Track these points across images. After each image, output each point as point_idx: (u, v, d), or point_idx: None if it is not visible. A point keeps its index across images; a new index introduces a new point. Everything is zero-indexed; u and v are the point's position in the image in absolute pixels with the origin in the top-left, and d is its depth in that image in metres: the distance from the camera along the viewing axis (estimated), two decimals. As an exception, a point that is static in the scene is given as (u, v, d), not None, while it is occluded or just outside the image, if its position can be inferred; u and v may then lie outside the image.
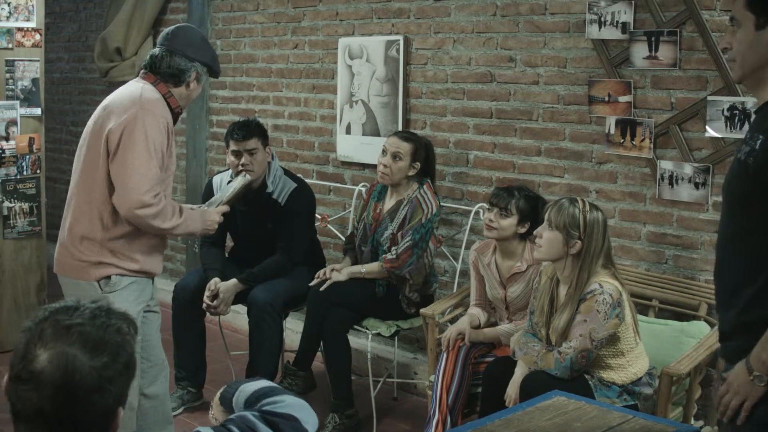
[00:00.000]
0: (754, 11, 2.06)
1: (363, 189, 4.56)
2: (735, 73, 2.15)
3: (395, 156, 4.00)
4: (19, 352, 1.44)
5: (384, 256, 3.98)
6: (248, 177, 3.84)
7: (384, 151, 4.05)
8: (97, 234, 3.09)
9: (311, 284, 4.07)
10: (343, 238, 4.58)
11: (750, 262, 2.07)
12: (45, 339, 1.43)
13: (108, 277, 3.10)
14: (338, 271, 4.06)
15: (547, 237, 3.18)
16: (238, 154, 4.11)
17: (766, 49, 2.05)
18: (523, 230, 3.59)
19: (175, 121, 3.24)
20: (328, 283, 4.00)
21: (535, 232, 3.30)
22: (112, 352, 1.45)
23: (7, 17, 4.84)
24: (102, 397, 1.43)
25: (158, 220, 3.05)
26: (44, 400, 1.40)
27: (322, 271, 4.09)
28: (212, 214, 3.42)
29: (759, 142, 2.02)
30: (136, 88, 3.14)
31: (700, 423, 3.46)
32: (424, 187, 4.03)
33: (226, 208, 3.53)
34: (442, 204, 4.54)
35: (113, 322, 1.47)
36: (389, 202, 4.11)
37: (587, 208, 3.16)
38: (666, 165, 3.73)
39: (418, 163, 4.03)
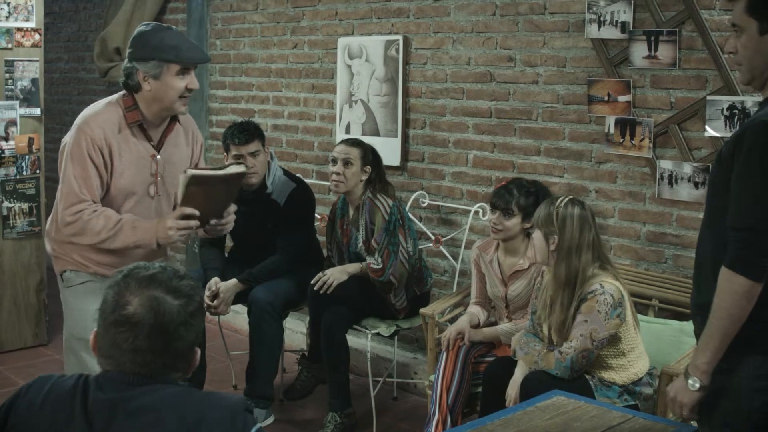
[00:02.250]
0: (756, 17, 2.10)
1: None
2: (743, 76, 2.20)
3: (346, 162, 4.03)
4: (110, 304, 1.66)
5: (369, 264, 3.98)
6: (190, 172, 2.90)
7: (334, 161, 4.07)
8: (52, 232, 3.10)
9: (313, 283, 4.03)
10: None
11: (711, 248, 2.17)
12: (131, 288, 1.66)
13: (64, 272, 3.09)
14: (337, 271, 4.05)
15: (534, 238, 3.22)
16: (239, 158, 4.11)
17: None
18: (529, 225, 3.59)
19: (156, 136, 3.05)
20: (333, 286, 3.97)
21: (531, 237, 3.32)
22: (188, 294, 1.69)
23: (7, 17, 4.84)
24: (187, 331, 1.67)
25: (82, 236, 2.95)
26: (140, 338, 1.63)
27: (320, 275, 4.03)
28: (166, 221, 2.96)
29: (734, 132, 2.10)
30: (102, 100, 3.08)
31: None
32: (374, 192, 4.05)
33: (179, 212, 2.93)
34: (442, 204, 4.54)
35: (181, 273, 1.73)
36: (351, 214, 4.14)
37: (563, 204, 3.16)
38: (665, 164, 3.73)
39: (368, 167, 4.06)
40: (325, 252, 4.46)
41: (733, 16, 2.15)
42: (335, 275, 3.99)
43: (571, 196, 3.28)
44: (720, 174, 2.13)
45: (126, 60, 3.01)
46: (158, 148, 3.08)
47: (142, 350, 1.63)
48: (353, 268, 4.04)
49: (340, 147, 4.12)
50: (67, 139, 3.02)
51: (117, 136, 2.98)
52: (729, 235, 2.06)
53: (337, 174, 4.04)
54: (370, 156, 4.09)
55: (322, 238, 4.65)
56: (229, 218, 3.10)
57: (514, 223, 3.58)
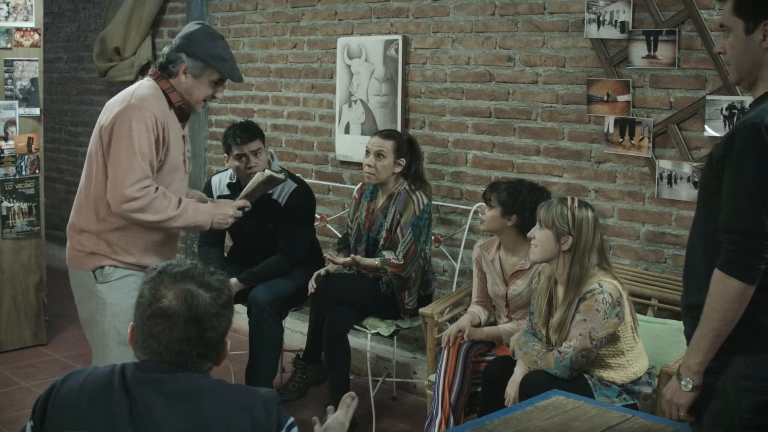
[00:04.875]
0: (742, 17, 2.12)
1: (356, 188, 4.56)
2: (732, 76, 2.23)
3: (379, 155, 4.02)
4: (146, 298, 1.76)
5: (388, 259, 3.98)
6: (267, 172, 3.53)
7: (367, 152, 4.07)
8: (92, 226, 3.12)
9: (311, 286, 4.07)
10: (342, 238, 4.58)
11: (702, 248, 2.18)
12: (166, 283, 1.76)
13: (102, 268, 3.12)
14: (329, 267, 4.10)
15: (539, 237, 3.21)
16: (241, 157, 4.11)
17: (758, 51, 2.12)
18: (510, 223, 3.60)
19: (183, 117, 3.24)
20: (332, 266, 4.05)
21: (528, 235, 3.32)
22: (218, 288, 1.79)
23: (6, 17, 4.84)
24: (219, 322, 1.78)
25: (146, 213, 3.02)
26: (175, 329, 1.73)
27: (315, 275, 4.10)
28: (225, 207, 3.32)
29: (726, 133, 2.12)
30: (134, 86, 3.18)
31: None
32: (412, 186, 4.06)
33: (243, 203, 3.40)
34: (441, 204, 4.55)
35: (211, 270, 1.83)
36: (381, 200, 4.13)
37: (575, 204, 3.19)
38: (665, 164, 3.73)
39: (403, 159, 4.06)
40: (327, 243, 4.47)
41: (722, 16, 2.18)
42: (349, 260, 4.03)
43: (576, 197, 3.29)
44: (711, 176, 2.14)
45: (171, 47, 3.18)
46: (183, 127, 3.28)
47: (178, 340, 1.73)
48: (368, 264, 4.02)
49: (374, 139, 4.10)
50: (118, 129, 3.01)
51: (167, 113, 3.13)
52: (721, 238, 2.07)
53: (370, 166, 4.04)
54: (405, 148, 4.08)
55: (322, 239, 4.65)
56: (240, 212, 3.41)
57: (492, 215, 3.62)
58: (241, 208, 3.36)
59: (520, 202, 3.56)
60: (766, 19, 2.09)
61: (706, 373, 2.14)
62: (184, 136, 3.24)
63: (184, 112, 3.23)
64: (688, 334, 2.19)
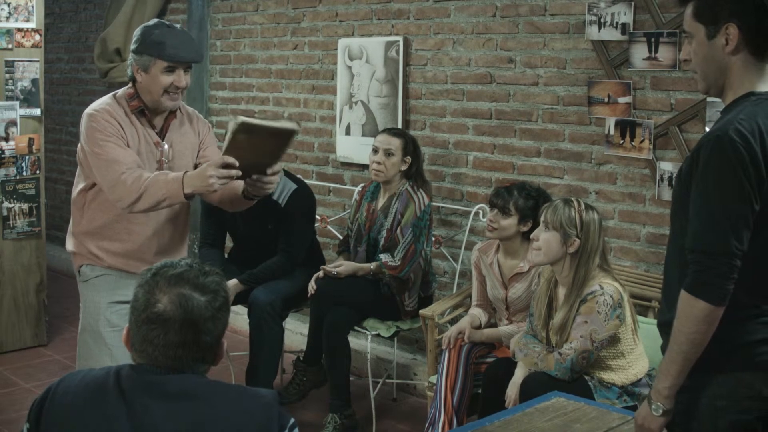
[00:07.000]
0: (703, 21, 2.04)
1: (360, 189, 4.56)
2: (700, 85, 2.14)
3: (387, 152, 4.04)
4: (141, 303, 1.74)
5: (386, 262, 3.98)
6: (240, 118, 2.75)
7: (375, 150, 4.09)
8: (72, 227, 3.23)
9: (311, 288, 4.07)
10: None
11: (677, 266, 2.10)
12: (161, 287, 1.74)
13: (82, 266, 3.19)
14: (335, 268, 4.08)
15: (544, 238, 3.19)
16: None
17: (722, 56, 2.04)
18: (525, 228, 3.59)
19: (160, 124, 3.14)
20: (340, 275, 4.01)
21: (531, 236, 3.30)
22: (214, 290, 1.77)
23: (7, 18, 4.84)
24: (215, 325, 1.76)
25: (123, 198, 2.95)
26: (170, 334, 1.71)
27: (315, 276, 4.10)
28: (204, 169, 2.85)
29: (693, 146, 2.05)
30: None
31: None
32: (414, 186, 4.09)
33: (222, 160, 2.79)
34: (442, 205, 4.55)
35: (207, 270, 1.80)
36: (382, 201, 4.15)
37: (582, 207, 3.19)
38: (665, 166, 3.73)
39: (409, 158, 4.09)
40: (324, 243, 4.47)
41: (684, 22, 2.10)
42: (346, 269, 4.02)
43: (580, 199, 3.29)
44: (680, 191, 2.06)
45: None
46: (162, 135, 3.17)
47: (173, 345, 1.72)
48: (364, 270, 4.04)
49: (382, 137, 4.13)
50: (81, 137, 3.10)
51: (124, 119, 3.09)
52: (688, 258, 1.99)
53: (378, 164, 4.06)
54: (411, 146, 4.11)
55: (323, 240, 4.65)
56: (273, 178, 2.95)
57: (509, 223, 3.58)
58: (228, 166, 2.79)
59: (537, 209, 3.54)
60: (728, 22, 2.00)
61: (683, 392, 2.06)
62: (158, 143, 3.12)
63: (156, 114, 3.12)
64: (663, 350, 2.15)
